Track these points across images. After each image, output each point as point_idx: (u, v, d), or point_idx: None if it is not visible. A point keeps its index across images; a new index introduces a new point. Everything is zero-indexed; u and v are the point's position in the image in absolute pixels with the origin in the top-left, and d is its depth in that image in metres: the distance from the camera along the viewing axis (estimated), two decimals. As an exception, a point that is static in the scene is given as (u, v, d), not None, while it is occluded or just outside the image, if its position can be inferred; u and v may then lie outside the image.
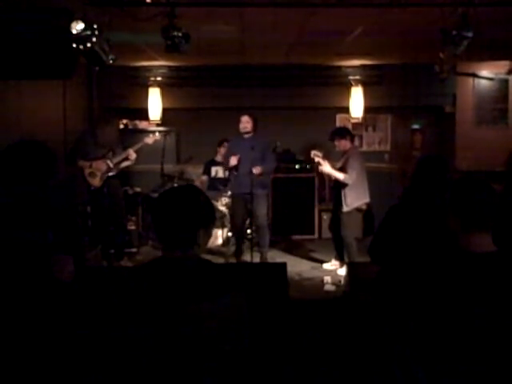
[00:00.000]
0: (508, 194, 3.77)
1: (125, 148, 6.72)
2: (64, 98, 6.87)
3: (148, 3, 4.20)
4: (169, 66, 8.15)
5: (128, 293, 1.95)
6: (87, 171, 6.46)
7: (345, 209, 6.22)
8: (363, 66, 8.20)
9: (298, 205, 8.40)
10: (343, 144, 6.33)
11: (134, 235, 7.42)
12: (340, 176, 6.17)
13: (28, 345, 2.36)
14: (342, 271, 6.40)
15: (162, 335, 1.86)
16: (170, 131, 8.08)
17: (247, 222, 6.91)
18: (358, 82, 8.23)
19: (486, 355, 1.92)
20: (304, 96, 8.27)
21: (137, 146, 6.74)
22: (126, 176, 7.49)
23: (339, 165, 6.34)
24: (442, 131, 8.67)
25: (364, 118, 8.50)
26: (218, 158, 7.88)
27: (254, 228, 6.71)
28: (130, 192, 7.72)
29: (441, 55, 5.04)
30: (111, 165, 6.54)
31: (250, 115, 6.60)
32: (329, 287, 6.00)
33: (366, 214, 6.47)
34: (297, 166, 8.41)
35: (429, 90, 8.09)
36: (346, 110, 8.40)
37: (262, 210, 6.54)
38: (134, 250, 7.24)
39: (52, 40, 4.43)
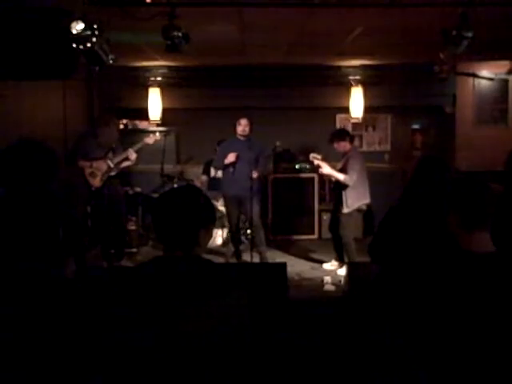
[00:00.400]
0: (508, 194, 3.76)
1: (125, 148, 6.72)
2: (64, 98, 6.88)
3: (148, 3, 4.20)
4: (169, 66, 8.14)
5: (129, 292, 1.95)
6: (88, 171, 6.46)
7: (345, 210, 6.23)
8: (363, 66, 8.19)
9: (298, 205, 8.40)
10: (343, 145, 6.33)
11: (134, 235, 7.42)
12: (340, 177, 6.17)
13: (30, 344, 2.36)
14: (342, 271, 6.40)
15: (164, 335, 1.86)
16: (170, 131, 8.08)
17: (246, 222, 6.92)
18: (357, 82, 8.23)
19: (486, 355, 1.92)
20: (304, 96, 8.27)
21: (137, 146, 6.74)
22: (126, 176, 7.49)
23: (339, 166, 6.34)
24: (442, 131, 8.67)
25: (364, 118, 8.49)
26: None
27: (248, 227, 6.76)
28: (130, 192, 7.73)
29: (441, 55, 5.03)
30: (111, 165, 6.55)
31: (249, 118, 6.64)
32: (329, 287, 6.01)
33: (366, 214, 6.48)
34: (297, 166, 8.41)
35: (429, 90, 8.09)
36: (346, 110, 8.40)
37: (256, 209, 6.55)
38: (134, 250, 7.25)
39: (52, 40, 4.43)
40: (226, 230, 7.35)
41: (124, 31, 5.07)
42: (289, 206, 8.38)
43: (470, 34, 4.45)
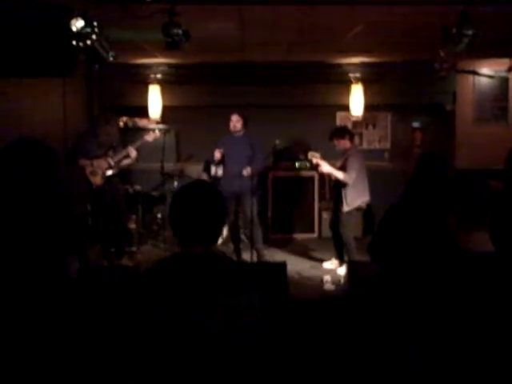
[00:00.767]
0: (508, 192, 3.75)
1: (125, 146, 6.72)
2: (64, 95, 6.86)
3: (148, 1, 4.19)
4: (169, 64, 8.13)
5: (148, 289, 1.94)
6: (88, 170, 6.46)
7: (345, 208, 6.22)
8: (363, 64, 8.18)
9: (298, 203, 8.40)
10: (343, 143, 6.33)
11: (135, 234, 7.42)
12: (340, 175, 6.17)
13: (38, 342, 2.37)
14: (342, 270, 6.40)
15: (190, 331, 1.86)
16: (170, 129, 8.07)
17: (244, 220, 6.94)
18: (358, 80, 8.21)
19: (486, 355, 1.92)
20: (304, 94, 8.26)
21: (137, 144, 6.74)
22: (126, 174, 7.49)
23: (339, 164, 6.33)
24: (442, 129, 8.66)
25: (364, 115, 8.48)
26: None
27: (245, 226, 6.76)
28: (131, 190, 7.72)
29: (441, 53, 5.02)
30: (112, 163, 6.54)
31: (240, 114, 6.62)
32: (329, 286, 6.00)
33: (366, 212, 6.48)
34: (297, 165, 8.40)
35: (429, 88, 8.07)
36: (346, 107, 8.38)
37: (254, 207, 6.54)
38: (134, 248, 7.24)
39: (52, 37, 4.42)
40: (226, 229, 7.34)
41: (124, 28, 5.07)
42: (289, 205, 8.37)
43: (470, 32, 4.44)
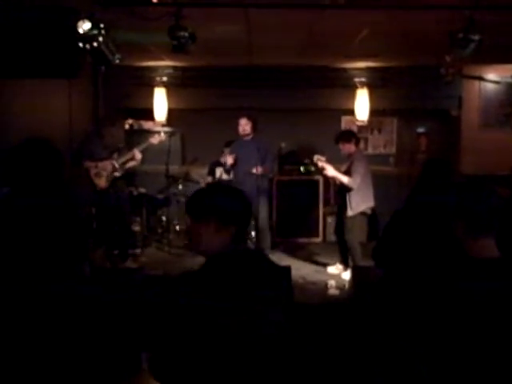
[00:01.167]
0: (514, 198, 3.75)
1: (130, 148, 6.72)
2: (70, 97, 6.87)
3: (155, 3, 4.20)
4: (175, 67, 8.14)
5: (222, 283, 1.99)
6: (93, 172, 6.46)
7: (349, 213, 6.21)
8: (369, 69, 8.18)
9: (302, 207, 8.38)
10: (348, 147, 6.31)
11: (139, 236, 7.42)
12: (344, 180, 6.16)
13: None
14: (347, 275, 6.38)
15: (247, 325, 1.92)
16: (176, 132, 8.08)
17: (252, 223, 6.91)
18: (363, 85, 8.21)
19: (491, 360, 1.92)
20: (309, 98, 8.25)
21: (142, 146, 6.74)
22: (130, 177, 7.49)
23: (344, 168, 6.32)
24: (448, 134, 8.65)
25: (369, 120, 8.47)
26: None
27: (255, 230, 6.72)
28: (135, 193, 7.72)
29: (447, 58, 5.02)
30: (117, 165, 6.54)
31: (249, 117, 6.62)
32: (333, 291, 5.98)
33: (371, 217, 6.45)
34: (301, 169, 8.38)
35: (435, 93, 8.06)
36: (352, 112, 8.38)
37: (263, 212, 6.53)
38: (138, 251, 7.23)
39: (58, 39, 4.43)
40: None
41: (131, 31, 5.08)
42: (293, 209, 8.35)
43: (476, 38, 4.44)
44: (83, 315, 2.47)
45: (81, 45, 4.31)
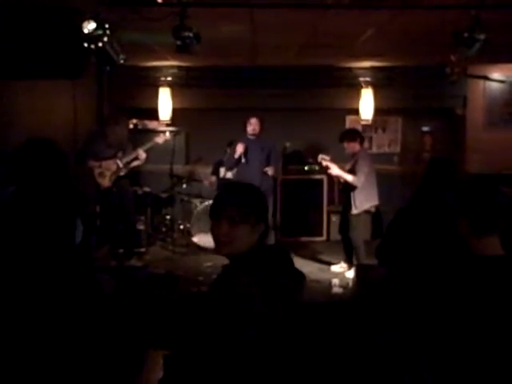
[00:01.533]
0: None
1: (134, 148, 6.73)
2: (74, 97, 6.90)
3: (159, 3, 4.21)
4: (179, 66, 8.15)
5: None
6: (97, 171, 6.46)
7: (354, 211, 6.21)
8: (374, 68, 8.17)
9: (306, 206, 8.39)
10: (352, 146, 6.31)
11: (143, 235, 7.44)
12: (349, 178, 6.16)
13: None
14: (350, 274, 6.38)
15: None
16: (180, 131, 8.09)
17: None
18: (368, 84, 8.21)
19: (496, 358, 1.92)
20: (314, 97, 8.25)
21: (146, 146, 6.75)
22: (135, 176, 7.51)
23: (348, 167, 6.33)
24: (453, 133, 8.63)
25: (374, 119, 8.46)
26: (227, 159, 7.91)
27: None
28: (139, 192, 7.74)
29: (452, 57, 5.01)
30: (121, 165, 6.55)
31: (259, 117, 6.66)
32: (337, 290, 5.98)
33: (375, 216, 6.46)
34: (306, 168, 8.39)
35: (439, 92, 8.05)
36: (356, 111, 8.38)
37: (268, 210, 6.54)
38: (142, 249, 7.26)
39: (63, 39, 4.44)
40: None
41: (135, 31, 5.09)
42: (297, 208, 8.36)
43: (482, 37, 4.43)
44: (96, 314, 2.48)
45: (86, 45, 4.31)
